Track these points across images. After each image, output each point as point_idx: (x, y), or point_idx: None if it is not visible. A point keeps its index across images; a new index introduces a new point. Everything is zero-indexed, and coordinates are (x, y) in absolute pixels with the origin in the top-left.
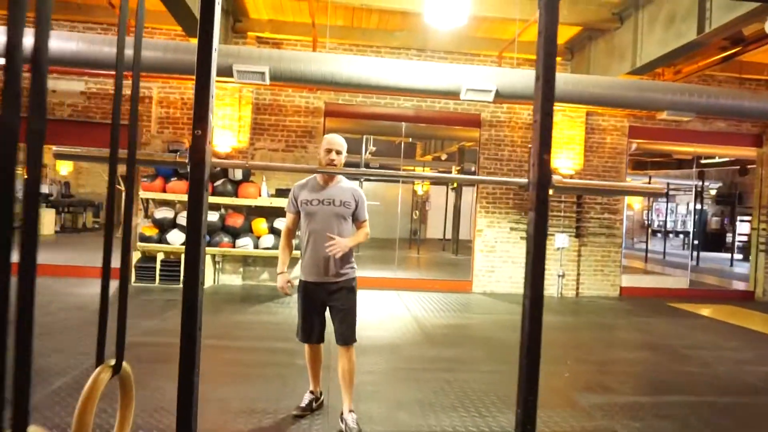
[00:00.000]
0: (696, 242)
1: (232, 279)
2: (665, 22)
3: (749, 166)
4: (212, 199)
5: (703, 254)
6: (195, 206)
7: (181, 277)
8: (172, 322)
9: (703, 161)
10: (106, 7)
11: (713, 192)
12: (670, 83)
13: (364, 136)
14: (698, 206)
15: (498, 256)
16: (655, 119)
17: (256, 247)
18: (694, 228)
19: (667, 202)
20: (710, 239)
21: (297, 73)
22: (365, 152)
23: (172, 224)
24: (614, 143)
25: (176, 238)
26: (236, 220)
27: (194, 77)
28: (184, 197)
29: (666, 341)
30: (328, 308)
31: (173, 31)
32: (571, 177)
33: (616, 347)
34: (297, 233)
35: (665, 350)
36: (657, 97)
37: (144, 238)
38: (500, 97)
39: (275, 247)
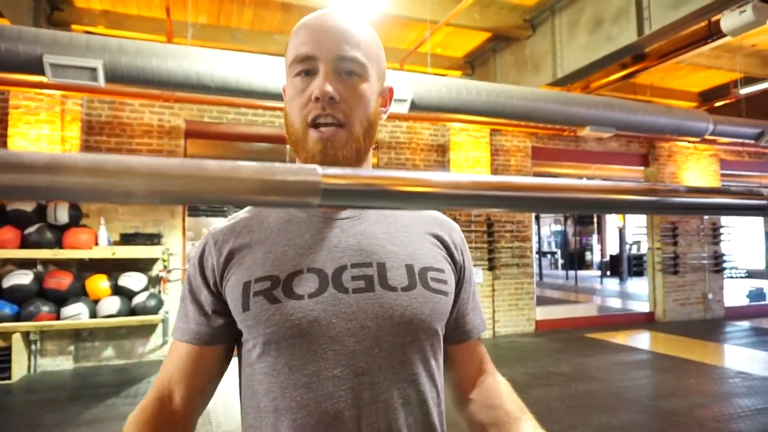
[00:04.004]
0: (562, 261)
1: (58, 363)
2: (590, 26)
3: None
4: (23, 253)
5: (570, 272)
6: None
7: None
8: None
9: None
10: None
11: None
12: (593, 96)
13: None
14: (561, 228)
15: None
16: (556, 140)
17: (93, 315)
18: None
19: (538, 224)
20: (575, 258)
21: (147, 72)
22: None
23: None
24: (519, 165)
25: None
26: (61, 281)
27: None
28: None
29: (629, 393)
30: None
31: None
32: None
33: (589, 408)
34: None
35: (641, 407)
36: (581, 112)
37: None
38: (416, 108)
39: (123, 312)
